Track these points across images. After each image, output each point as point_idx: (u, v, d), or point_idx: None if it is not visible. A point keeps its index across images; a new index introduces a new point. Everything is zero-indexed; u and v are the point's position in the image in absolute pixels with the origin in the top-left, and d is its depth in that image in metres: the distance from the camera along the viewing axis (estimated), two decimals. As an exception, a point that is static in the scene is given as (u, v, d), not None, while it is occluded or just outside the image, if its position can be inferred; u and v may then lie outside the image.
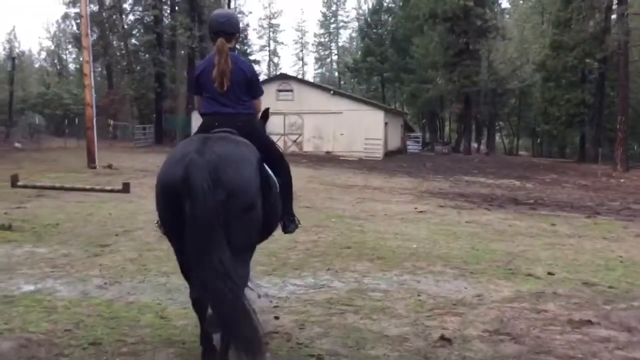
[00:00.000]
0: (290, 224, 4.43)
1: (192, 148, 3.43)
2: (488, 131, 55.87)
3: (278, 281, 6.23)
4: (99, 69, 60.55)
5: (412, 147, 47.10)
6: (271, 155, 4.14)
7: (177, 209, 3.29)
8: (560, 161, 43.49)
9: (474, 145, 51.47)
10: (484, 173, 31.07)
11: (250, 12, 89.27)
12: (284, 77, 41.05)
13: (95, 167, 20.14)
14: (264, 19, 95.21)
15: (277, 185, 4.02)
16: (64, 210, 10.79)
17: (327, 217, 11.78)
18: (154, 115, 44.91)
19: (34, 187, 13.74)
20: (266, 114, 4.63)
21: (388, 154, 39.55)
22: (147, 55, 43.36)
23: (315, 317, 5.08)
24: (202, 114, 4.16)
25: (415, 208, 14.02)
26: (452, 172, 31.04)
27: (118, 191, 13.72)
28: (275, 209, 3.98)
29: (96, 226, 9.20)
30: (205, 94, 4.10)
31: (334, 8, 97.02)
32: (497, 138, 67.29)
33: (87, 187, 13.91)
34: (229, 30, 4.10)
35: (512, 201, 17.37)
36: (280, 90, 38.47)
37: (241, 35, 4.67)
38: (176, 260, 3.87)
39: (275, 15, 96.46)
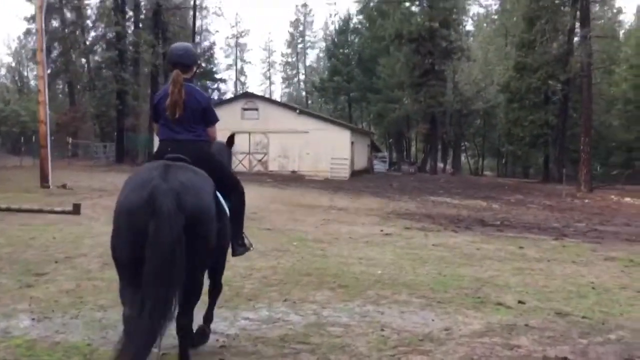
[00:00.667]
0: (238, 248, 4.74)
1: (155, 174, 3.60)
2: (454, 151, 56.21)
3: (229, 315, 5.66)
4: (61, 86, 59.31)
5: (379, 166, 47.00)
6: (223, 181, 4.36)
7: (137, 233, 3.40)
8: (525, 181, 43.87)
9: (440, 165, 51.66)
10: (450, 193, 30.94)
11: (217, 31, 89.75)
12: (250, 95, 40.64)
13: (48, 187, 19.23)
14: (230, 38, 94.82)
15: (227, 211, 4.27)
16: (5, 233, 10.01)
17: (288, 240, 11.24)
18: (115, 134, 43.78)
19: (-22, 208, 12.86)
20: (231, 139, 5.14)
21: (355, 174, 39.28)
22: (109, 72, 42.28)
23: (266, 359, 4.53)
24: (159, 139, 4.40)
25: (381, 230, 13.58)
26: (419, 192, 30.83)
27: (68, 212, 12.92)
28: (227, 230, 4.25)
29: (36, 252, 8.48)
30: (161, 121, 4.34)
31: (301, 28, 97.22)
32: (463, 158, 67.82)
33: (35, 207, 13.08)
34: (186, 62, 4.35)
35: (479, 222, 17.09)
36: (245, 109, 37.96)
37: (199, 66, 4.80)
38: (118, 289, 3.82)
39: (242, 34, 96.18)
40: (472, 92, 47.05)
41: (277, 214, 16.11)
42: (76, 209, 13.01)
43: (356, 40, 63.71)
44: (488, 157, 68.45)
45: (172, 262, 3.36)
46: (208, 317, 4.78)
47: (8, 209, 12.84)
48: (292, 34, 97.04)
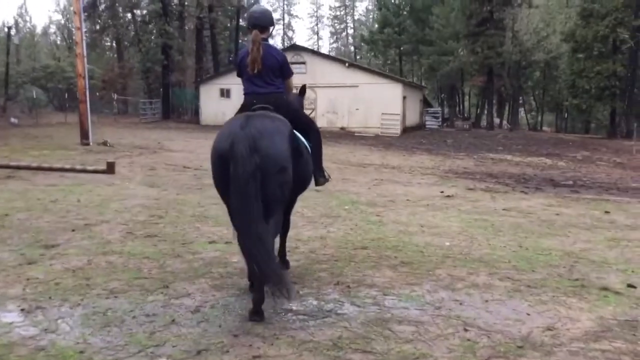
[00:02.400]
0: (320, 178, 5.29)
1: (237, 124, 4.29)
2: (511, 106, 53.28)
3: (266, 305, 4.45)
4: (109, 43, 58.87)
5: (431, 122, 44.92)
6: (301, 124, 5.02)
7: (225, 171, 4.13)
8: (589, 137, 41.14)
9: (496, 120, 49.00)
10: (509, 150, 29.05)
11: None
12: (296, 48, 38.93)
13: (88, 144, 18.47)
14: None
15: (309, 149, 4.96)
16: (26, 196, 9.09)
17: (339, 203, 10.00)
18: (161, 90, 42.96)
19: (7, 166, 12.07)
20: (303, 89, 5.89)
21: (406, 130, 37.52)
22: (153, 26, 41.20)
23: (314, 379, 3.33)
24: (244, 94, 4.95)
25: (442, 192, 12.16)
26: (476, 149, 29.05)
27: (101, 172, 12.01)
28: (307, 168, 4.89)
29: (54, 217, 7.48)
30: (245, 77, 4.87)
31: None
32: (520, 113, 64.55)
33: (67, 166, 12.20)
34: (263, 24, 4.89)
35: (549, 182, 15.45)
36: (292, 63, 35.81)
37: (274, 26, 5.32)
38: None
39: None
40: (533, 42, 43.92)
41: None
42: (110, 168, 12.08)
43: (408, -12, 60.66)
44: (546, 112, 65.06)
45: (247, 194, 4.02)
46: (280, 253, 5.37)
47: (39, 168, 12.02)
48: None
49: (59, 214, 7.74)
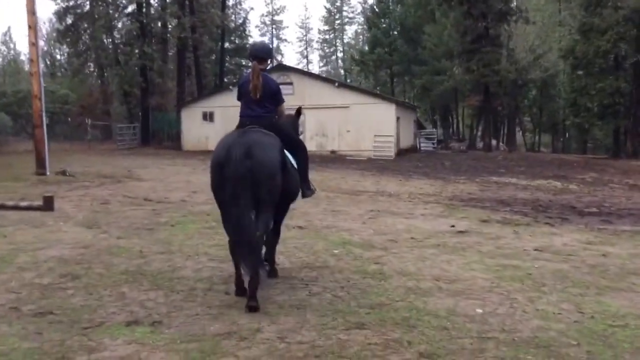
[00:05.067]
0: (306, 191, 5.97)
1: (234, 135, 5.10)
2: (508, 126, 51.41)
3: None
4: (92, 69, 56.82)
5: (425, 144, 42.91)
6: (290, 143, 5.68)
7: (222, 176, 4.84)
8: (592, 158, 39.23)
9: (493, 142, 47.03)
10: (512, 172, 27.01)
11: (252, 8, 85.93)
12: (283, 68, 36.84)
13: (44, 174, 16.24)
14: (266, 16, 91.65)
15: (295, 165, 5.66)
16: None
17: (327, 245, 7.85)
18: (140, 114, 40.73)
19: None
20: (299, 111, 6.45)
21: (400, 153, 35.48)
22: (129, 48, 39.12)
23: None
24: (240, 116, 5.55)
25: (452, 226, 10.02)
26: (476, 171, 27.01)
27: (37, 208, 9.85)
28: (292, 182, 5.53)
29: None
30: (243, 100, 5.54)
31: (338, 3, 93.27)
32: (517, 134, 62.71)
33: (-5, 203, 10.01)
34: (262, 55, 5.67)
35: (571, 210, 13.35)
36: (279, 84, 34.43)
37: (271, 60, 6.51)
38: None
39: (278, 11, 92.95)
40: (529, 60, 42.27)
41: (313, 204, 12.56)
42: (48, 204, 9.96)
43: (398, 7, 59.03)
44: (542, 132, 63.30)
45: (239, 193, 4.73)
46: (269, 259, 5.92)
47: (-40, 205, 9.85)
48: (329, 10, 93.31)
49: None
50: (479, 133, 53.83)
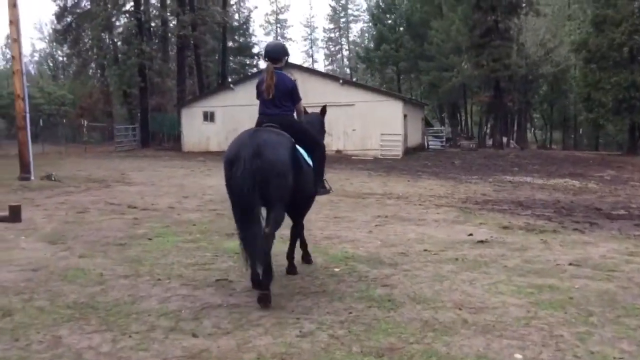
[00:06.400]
0: (320, 189, 6.08)
1: (246, 135, 5.14)
2: (519, 122, 49.93)
3: None
4: (93, 68, 55.83)
5: (434, 143, 41.62)
6: (307, 141, 5.73)
7: (233, 176, 4.94)
8: (607, 154, 37.79)
9: (503, 139, 45.62)
10: (526, 171, 25.76)
11: (256, 7, 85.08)
12: (285, 65, 35.73)
13: (28, 179, 15.16)
14: (270, 14, 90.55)
15: (310, 164, 5.65)
16: None
17: (327, 261, 6.75)
18: (139, 114, 39.55)
19: None
20: (324, 109, 6.96)
21: (408, 152, 34.26)
22: (126, 46, 37.93)
23: None
24: (258, 114, 5.74)
25: (470, 234, 8.84)
26: (488, 170, 25.78)
27: (2, 219, 8.76)
28: (307, 178, 5.56)
29: None
30: (260, 99, 5.70)
31: (343, 1, 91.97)
32: (527, 130, 61.13)
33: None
34: (274, 56, 5.78)
35: (598, 214, 12.12)
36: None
37: (287, 58, 6.06)
38: None
39: (282, 10, 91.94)
40: (540, 54, 40.84)
41: (315, 210, 11.33)
42: (14, 214, 8.85)
43: (404, 3, 57.66)
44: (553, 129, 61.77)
45: (247, 190, 4.79)
46: (289, 254, 6.16)
47: None
48: (334, 8, 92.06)
49: None
50: (488, 130, 52.47)
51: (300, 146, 5.50)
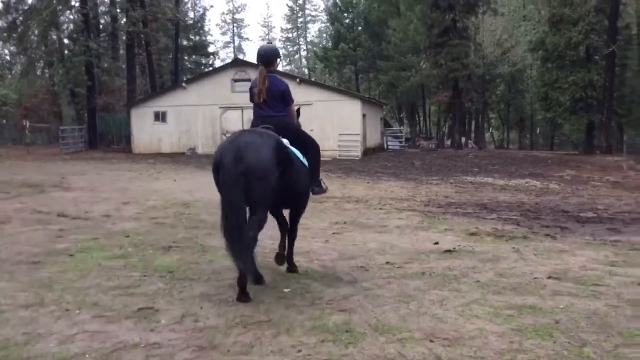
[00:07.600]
0: (315, 188, 6.07)
1: (228, 139, 5.25)
2: (476, 123, 49.95)
3: None
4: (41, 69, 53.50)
5: (393, 143, 41.11)
6: (301, 141, 5.89)
7: (219, 180, 5.08)
8: (565, 154, 37.91)
9: (462, 139, 45.45)
10: (486, 171, 25.44)
11: (212, 6, 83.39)
12: (241, 63, 34.51)
13: (-46, 184, 13.80)
14: (226, 14, 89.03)
15: (302, 160, 5.75)
16: None
17: (275, 278, 5.84)
18: (86, 115, 37.71)
19: None
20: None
21: (367, 152, 33.63)
22: (73, 43, 36.15)
23: None
24: (253, 116, 5.98)
25: (436, 243, 8.07)
26: (448, 171, 25.34)
27: None
28: (299, 176, 5.62)
29: None
30: (255, 102, 5.84)
31: (300, 1, 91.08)
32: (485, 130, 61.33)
33: None
34: (266, 60, 5.90)
35: (567, 217, 11.58)
36: (236, 80, 32.13)
37: (279, 60, 6.30)
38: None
39: (239, 9, 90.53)
40: (497, 54, 40.80)
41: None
42: None
43: (362, 1, 57.10)
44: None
45: (232, 196, 4.91)
46: (288, 260, 6.20)
47: None
48: (291, 8, 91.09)
49: None
50: (447, 130, 52.36)
51: (296, 147, 5.68)
